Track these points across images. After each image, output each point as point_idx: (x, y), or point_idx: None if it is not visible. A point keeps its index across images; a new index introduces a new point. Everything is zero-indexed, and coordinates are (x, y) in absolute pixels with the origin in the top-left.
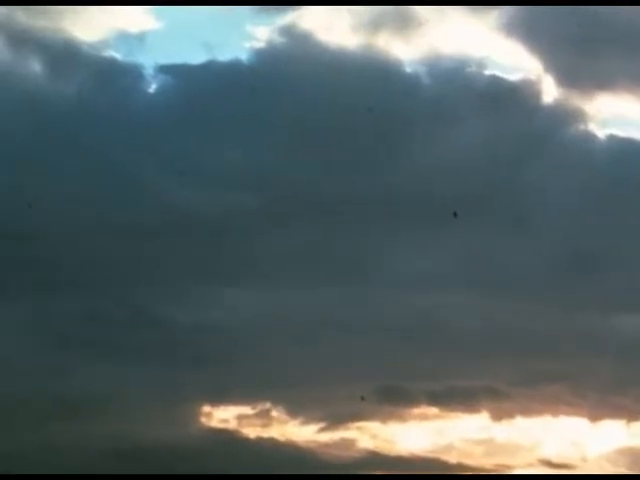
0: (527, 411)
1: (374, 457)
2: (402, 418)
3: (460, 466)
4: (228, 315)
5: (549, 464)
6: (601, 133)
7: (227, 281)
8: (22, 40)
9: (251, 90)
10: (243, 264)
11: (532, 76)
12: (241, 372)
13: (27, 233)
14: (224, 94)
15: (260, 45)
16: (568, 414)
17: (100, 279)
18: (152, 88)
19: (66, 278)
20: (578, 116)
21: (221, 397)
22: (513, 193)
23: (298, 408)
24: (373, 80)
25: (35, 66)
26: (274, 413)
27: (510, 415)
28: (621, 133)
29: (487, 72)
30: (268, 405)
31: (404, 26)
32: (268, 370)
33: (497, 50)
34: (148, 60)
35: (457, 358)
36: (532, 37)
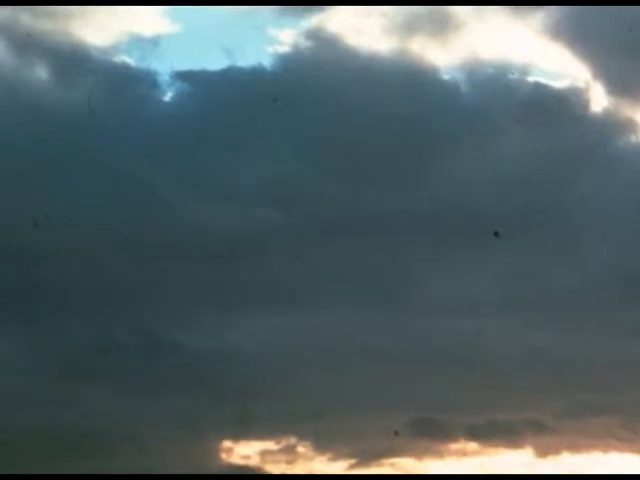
0: (575, 446)
1: None
2: (439, 454)
3: None
4: (250, 342)
5: None
6: None
7: (249, 305)
8: (26, 44)
9: (274, 99)
10: (266, 286)
11: (580, 83)
12: (264, 404)
13: (32, 253)
14: (245, 103)
15: (284, 50)
16: (619, 450)
17: (111, 303)
18: (168, 96)
19: (74, 302)
20: (630, 127)
21: (243, 431)
22: (559, 211)
23: (326, 443)
24: (407, 88)
25: (41, 73)
26: (300, 448)
27: (556, 451)
28: None
29: (531, 79)
30: (293, 440)
31: (440, 29)
32: (293, 401)
33: (542, 55)
34: (163, 66)
35: (499, 389)
36: (580, 41)
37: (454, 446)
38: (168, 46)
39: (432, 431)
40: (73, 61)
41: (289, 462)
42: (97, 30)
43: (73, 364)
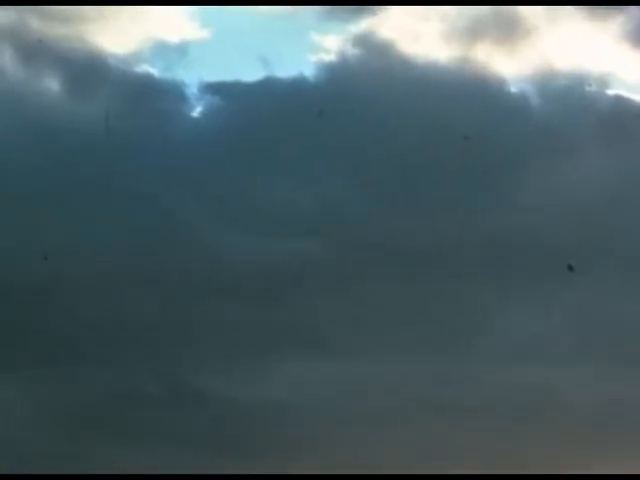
0: None
1: None
2: None
3: None
4: (289, 393)
5: None
6: None
7: (288, 350)
8: (36, 52)
9: (318, 113)
10: (307, 329)
11: None
12: (307, 462)
13: (43, 291)
14: (284, 118)
15: (329, 58)
16: None
17: (133, 347)
18: (196, 111)
19: (91, 347)
20: None
21: None
22: None
23: None
24: (470, 102)
25: (51, 84)
26: None
27: None
28: None
29: (610, 91)
30: None
31: (508, 34)
32: (340, 461)
33: (622, 64)
34: (191, 77)
35: (573, 445)
36: None
37: None
38: (197, 54)
39: None
40: (88, 71)
41: None
42: (116, 35)
43: (88, 415)
